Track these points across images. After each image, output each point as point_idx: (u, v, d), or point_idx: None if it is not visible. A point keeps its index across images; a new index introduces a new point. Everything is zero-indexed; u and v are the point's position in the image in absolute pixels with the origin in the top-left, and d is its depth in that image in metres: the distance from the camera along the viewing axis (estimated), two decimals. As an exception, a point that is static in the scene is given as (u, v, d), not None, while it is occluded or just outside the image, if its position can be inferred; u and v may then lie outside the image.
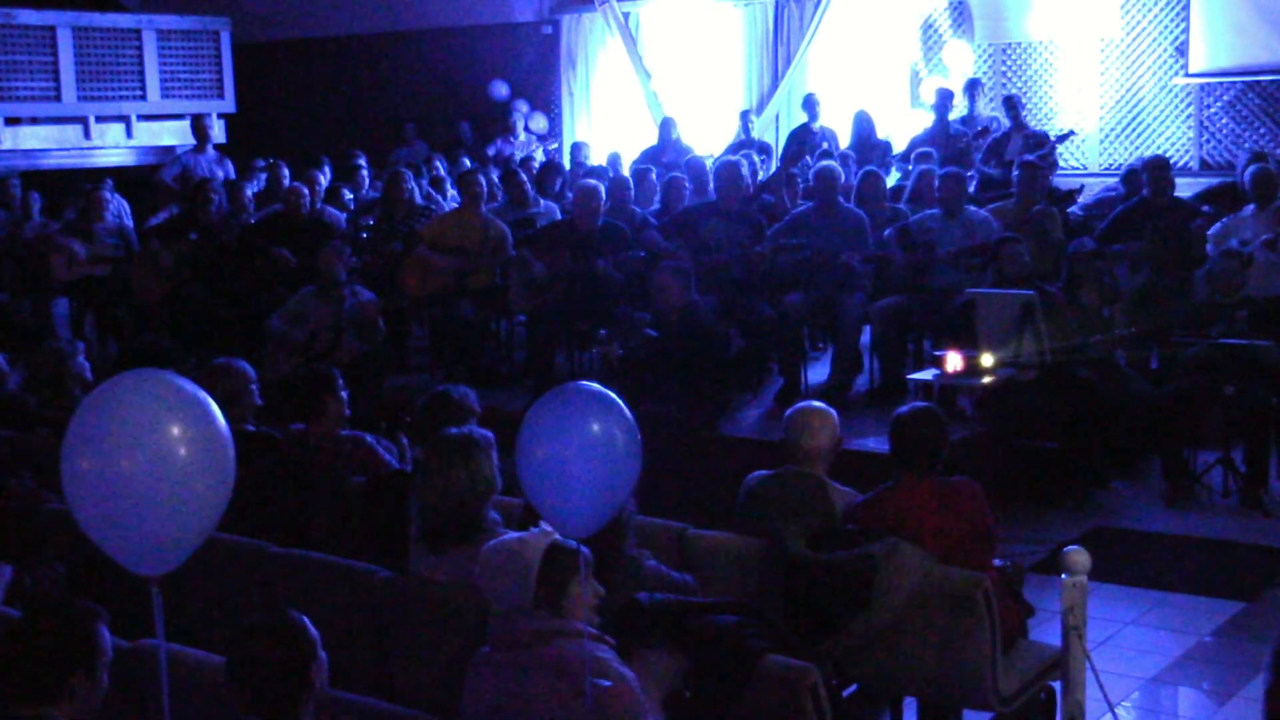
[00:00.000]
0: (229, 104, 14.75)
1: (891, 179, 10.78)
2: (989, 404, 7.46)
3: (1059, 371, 7.24)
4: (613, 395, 3.36)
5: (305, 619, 3.19)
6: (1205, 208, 9.31)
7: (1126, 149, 12.68)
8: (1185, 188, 10.06)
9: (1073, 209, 10.10)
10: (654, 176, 10.96)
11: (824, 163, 9.35)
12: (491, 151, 14.15)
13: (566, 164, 12.97)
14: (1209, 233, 8.74)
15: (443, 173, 12.59)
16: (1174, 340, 7.60)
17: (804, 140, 12.02)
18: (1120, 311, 7.79)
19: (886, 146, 12.07)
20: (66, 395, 6.52)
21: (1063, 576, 4.23)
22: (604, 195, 9.04)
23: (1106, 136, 12.91)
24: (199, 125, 12.56)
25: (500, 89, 15.26)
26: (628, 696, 3.43)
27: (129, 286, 9.87)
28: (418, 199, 10.72)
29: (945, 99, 11.92)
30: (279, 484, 5.27)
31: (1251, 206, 8.78)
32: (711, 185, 9.56)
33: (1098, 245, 8.58)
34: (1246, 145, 11.89)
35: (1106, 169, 12.61)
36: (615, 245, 8.72)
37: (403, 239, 9.59)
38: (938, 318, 8.03)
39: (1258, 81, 12.13)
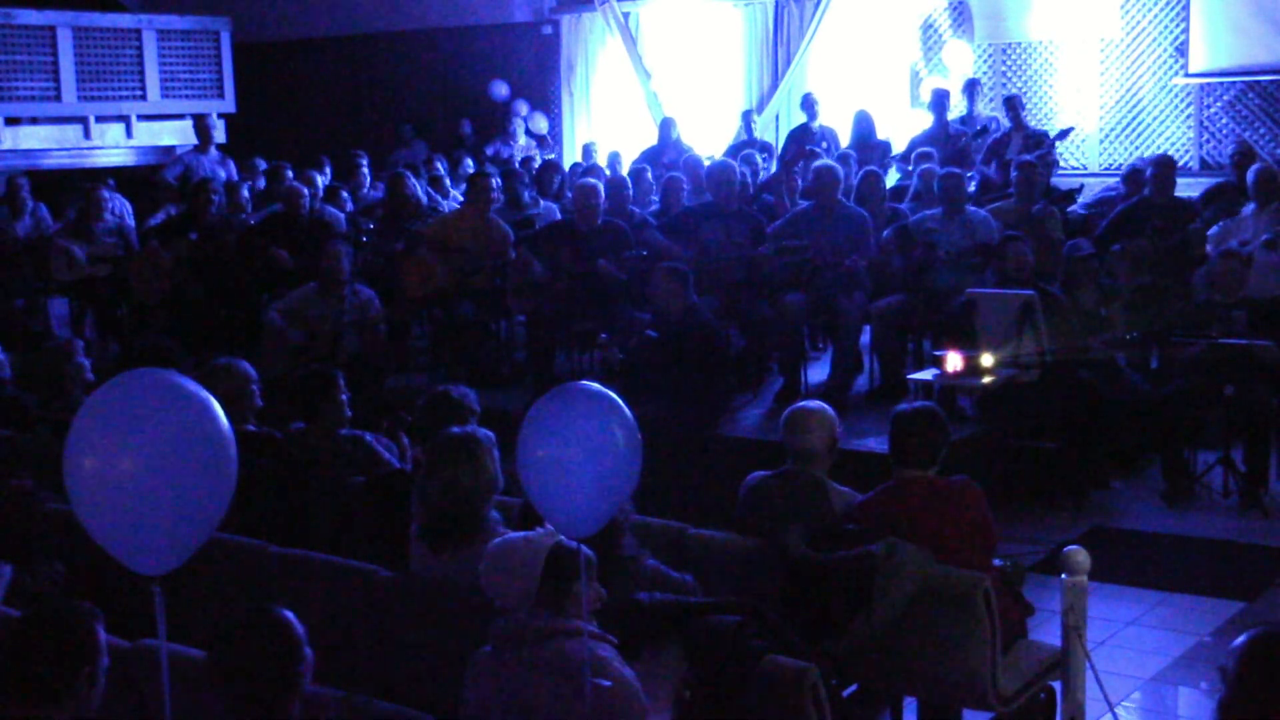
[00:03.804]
0: (229, 104, 14.75)
1: (891, 179, 10.79)
2: (989, 404, 7.46)
3: (1059, 372, 7.24)
4: (613, 395, 3.37)
5: (290, 614, 3.14)
6: (1206, 212, 9.30)
7: (1126, 149, 12.68)
8: (1185, 188, 10.07)
9: (1074, 208, 10.10)
10: (650, 176, 10.97)
11: (821, 161, 9.34)
12: (490, 152, 14.15)
13: (580, 163, 12.98)
14: (1209, 233, 8.74)
15: (443, 172, 12.58)
16: (1174, 340, 7.59)
17: (803, 140, 12.02)
18: (1119, 311, 7.78)
19: (886, 146, 12.07)
20: (66, 395, 6.52)
21: (1063, 576, 4.23)
22: (603, 194, 9.04)
23: (1106, 136, 12.91)
24: (201, 125, 12.56)
25: (500, 89, 15.25)
26: (628, 696, 3.43)
27: (129, 286, 9.87)
28: (422, 199, 10.72)
29: (942, 99, 11.92)
30: (279, 484, 5.27)
31: (1252, 206, 8.78)
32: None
33: (1095, 246, 8.58)
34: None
35: (1106, 169, 12.61)
36: (615, 244, 8.71)
37: (404, 239, 9.58)
38: (938, 318, 8.03)
39: (1258, 81, 12.13)
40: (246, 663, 3.05)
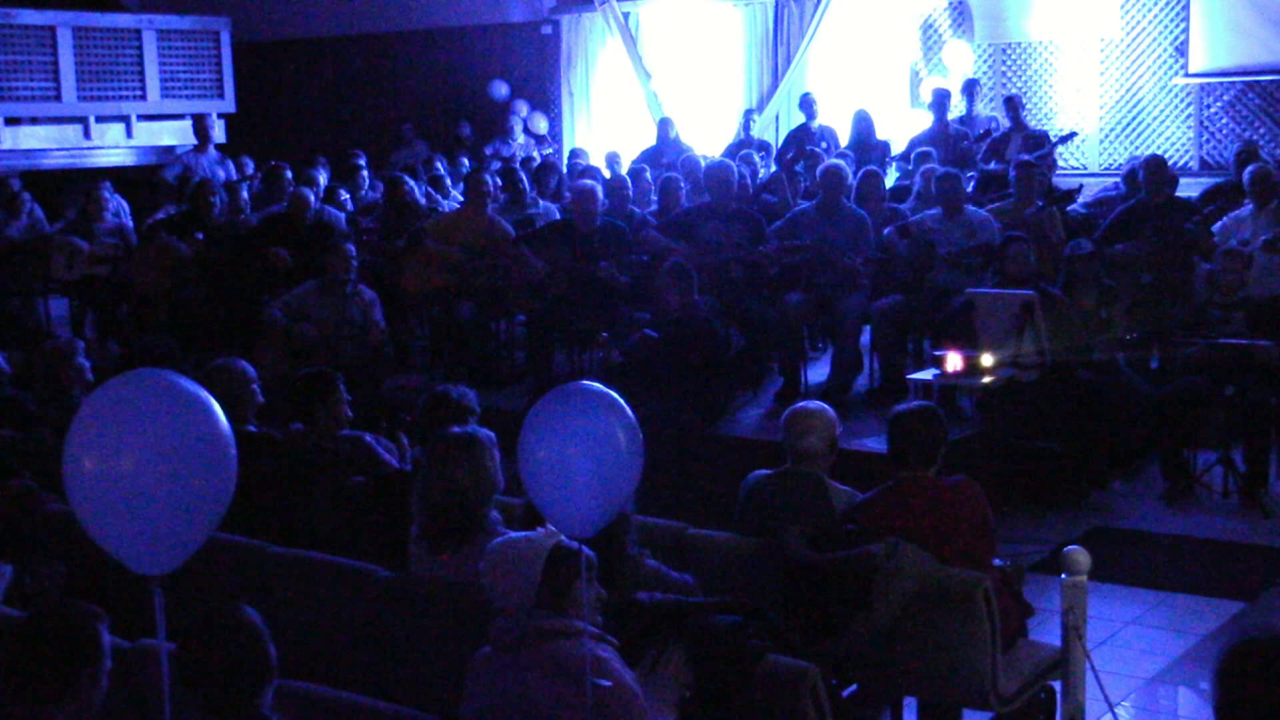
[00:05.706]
0: (229, 104, 14.74)
1: (890, 178, 10.78)
2: (989, 404, 7.46)
3: (1059, 372, 7.24)
4: (614, 394, 3.36)
5: (251, 609, 3.16)
6: (1207, 207, 9.29)
7: (1126, 149, 12.67)
8: (1186, 187, 10.06)
9: (1076, 207, 10.09)
10: (649, 176, 10.96)
11: (831, 161, 9.33)
12: (489, 152, 14.15)
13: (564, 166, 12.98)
14: (1214, 228, 8.73)
15: (443, 172, 12.58)
16: (1174, 340, 7.60)
17: (802, 140, 12.02)
18: (1120, 312, 7.78)
19: (885, 146, 12.07)
20: (66, 395, 6.52)
21: (1063, 576, 4.24)
22: (601, 196, 9.04)
23: (1106, 136, 12.92)
24: (200, 125, 12.55)
25: (500, 89, 15.26)
26: (628, 696, 3.43)
27: (129, 286, 9.86)
28: (420, 199, 10.72)
29: (942, 99, 11.92)
30: (279, 484, 5.27)
31: (1250, 206, 8.78)
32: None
33: (1095, 246, 8.58)
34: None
35: (1106, 169, 12.61)
36: (616, 245, 8.71)
37: (406, 236, 9.58)
38: (938, 318, 8.02)
39: (1258, 81, 12.13)
40: (215, 659, 3.05)
